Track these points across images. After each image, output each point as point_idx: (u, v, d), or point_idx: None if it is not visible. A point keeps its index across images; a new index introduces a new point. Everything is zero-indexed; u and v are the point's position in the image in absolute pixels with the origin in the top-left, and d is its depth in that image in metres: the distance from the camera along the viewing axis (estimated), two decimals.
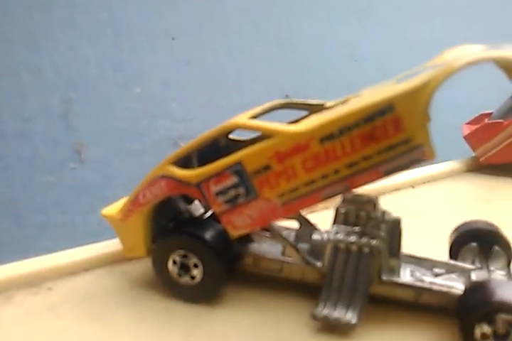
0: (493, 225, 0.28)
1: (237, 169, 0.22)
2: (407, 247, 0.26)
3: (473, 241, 0.27)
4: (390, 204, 0.41)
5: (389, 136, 0.19)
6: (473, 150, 0.49)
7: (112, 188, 0.41)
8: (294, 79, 0.60)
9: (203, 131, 0.24)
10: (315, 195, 0.21)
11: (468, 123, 0.52)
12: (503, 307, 0.20)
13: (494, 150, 0.48)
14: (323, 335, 0.23)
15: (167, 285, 0.26)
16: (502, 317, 0.20)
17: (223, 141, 0.24)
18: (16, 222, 0.39)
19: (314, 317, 0.23)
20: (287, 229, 0.29)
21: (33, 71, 0.41)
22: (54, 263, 0.29)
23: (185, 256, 0.25)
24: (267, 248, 0.27)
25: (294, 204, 0.22)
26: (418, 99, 0.18)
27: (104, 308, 0.26)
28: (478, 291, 0.21)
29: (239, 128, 0.23)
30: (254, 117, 0.25)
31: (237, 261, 0.26)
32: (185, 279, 0.25)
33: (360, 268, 0.24)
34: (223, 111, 0.48)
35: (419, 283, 0.24)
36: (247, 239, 0.27)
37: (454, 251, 0.28)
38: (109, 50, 0.45)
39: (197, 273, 0.25)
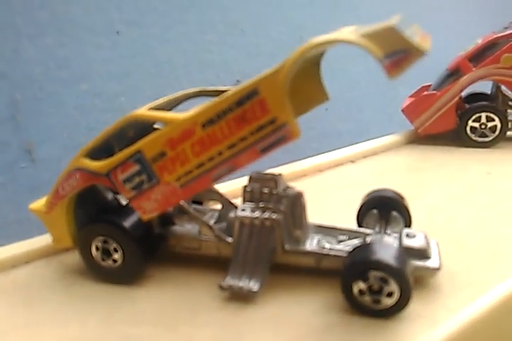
0: (394, 192, 0.30)
1: (138, 157, 0.24)
2: (334, 219, 0.28)
3: (375, 208, 0.29)
4: (330, 179, 0.44)
5: (258, 118, 0.21)
6: (411, 122, 0.52)
7: None
8: (244, 65, 0.61)
9: None
10: (206, 177, 0.23)
11: (411, 97, 0.54)
12: (374, 264, 0.22)
13: (430, 121, 0.50)
14: (231, 304, 0.25)
15: (93, 271, 0.28)
16: (374, 273, 0.23)
17: (131, 132, 0.26)
18: None
19: (221, 288, 0.25)
20: (211, 210, 0.31)
21: None
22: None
23: (105, 242, 0.27)
24: (186, 229, 0.29)
25: (190, 186, 0.24)
26: (276, 81, 0.20)
27: (37, 295, 0.28)
28: (356, 252, 0.23)
29: (137, 119, 0.24)
30: (165, 108, 0.26)
31: (159, 243, 0.28)
32: (108, 263, 0.27)
33: (263, 240, 0.26)
34: None
35: (319, 251, 0.27)
36: (168, 222, 0.29)
37: (360, 218, 0.30)
38: (53, 49, 0.46)
39: (118, 256, 0.27)
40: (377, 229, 0.28)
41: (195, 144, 0.23)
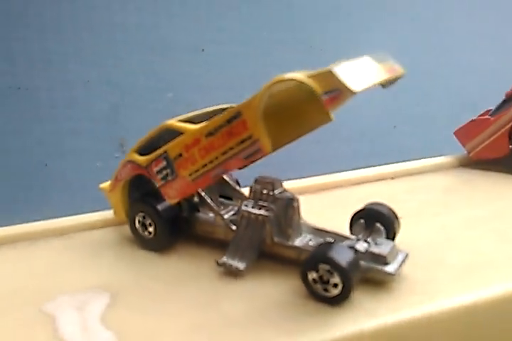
0: (385, 207, 0.34)
1: (165, 156, 0.32)
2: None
3: (362, 218, 0.34)
4: (361, 192, 0.48)
5: (240, 133, 0.28)
6: (463, 146, 0.52)
7: None
8: None
9: None
10: (208, 175, 0.31)
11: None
12: (323, 258, 0.27)
13: (481, 146, 0.51)
14: (222, 276, 0.32)
15: (136, 239, 0.37)
16: (322, 266, 0.27)
17: (165, 136, 0.34)
18: (72, 196, 0.53)
19: (217, 264, 0.32)
20: (235, 204, 0.38)
21: (83, 82, 0.55)
22: (81, 221, 0.41)
23: (144, 217, 0.36)
24: (207, 216, 0.36)
25: (198, 181, 0.31)
26: (252, 107, 0.27)
27: (100, 250, 0.37)
28: (316, 248, 0.29)
29: (167, 127, 0.33)
30: (194, 120, 0.34)
31: (184, 225, 0.36)
32: (145, 234, 0.36)
33: (255, 231, 0.33)
34: None
35: (302, 246, 0.32)
36: (195, 209, 0.37)
37: (350, 226, 0.34)
38: (147, 63, 0.58)
39: (151, 230, 0.36)
40: (360, 236, 0.32)
41: (200, 149, 0.30)
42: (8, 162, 0.53)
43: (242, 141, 0.28)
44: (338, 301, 0.28)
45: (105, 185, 0.39)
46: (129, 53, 0.58)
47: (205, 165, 0.30)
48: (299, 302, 0.29)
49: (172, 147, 0.32)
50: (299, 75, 0.24)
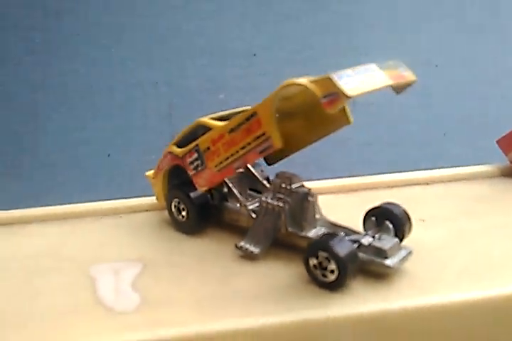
0: (396, 206, 0.36)
1: (197, 149, 0.37)
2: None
3: (375, 216, 0.36)
4: (399, 195, 0.49)
5: (255, 130, 0.31)
6: (505, 155, 0.51)
7: None
8: None
9: None
10: (230, 167, 0.34)
11: None
12: (322, 246, 0.30)
13: None
14: (242, 259, 0.36)
15: (172, 221, 0.42)
16: (321, 253, 0.30)
17: (199, 131, 0.38)
18: (127, 182, 0.59)
19: (236, 247, 0.36)
20: (258, 197, 0.42)
21: (150, 83, 0.62)
22: (131, 204, 0.47)
23: (179, 202, 0.40)
24: (234, 205, 0.40)
25: (222, 172, 0.35)
26: (266, 108, 0.30)
27: (141, 230, 0.43)
28: (319, 238, 0.31)
29: (199, 123, 0.37)
30: (224, 118, 0.38)
31: (214, 212, 0.40)
32: (179, 218, 0.41)
33: (272, 221, 0.36)
34: None
35: (313, 237, 0.35)
36: (224, 198, 0.41)
37: (364, 223, 0.36)
38: (204, 67, 0.63)
39: (184, 214, 0.40)
40: (369, 232, 0.35)
41: (224, 144, 0.34)
42: (77, 152, 0.60)
43: (258, 137, 0.31)
44: (335, 286, 0.30)
45: (150, 173, 0.44)
46: (189, 58, 0.64)
47: (228, 158, 0.34)
48: (302, 285, 0.32)
49: (202, 141, 0.36)
50: (303, 80, 0.28)
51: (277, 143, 0.31)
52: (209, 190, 0.40)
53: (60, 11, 0.62)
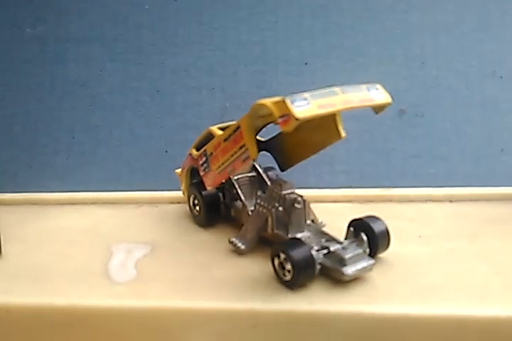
0: (377, 220, 0.37)
1: (205, 153, 0.42)
2: None
3: (353, 227, 0.38)
4: (414, 210, 0.49)
5: (239, 141, 0.36)
6: None
7: None
8: (414, 95, 0.67)
9: None
10: (226, 170, 0.39)
11: None
12: (282, 248, 0.34)
13: None
14: (231, 253, 0.41)
15: (191, 214, 0.48)
16: (282, 255, 0.34)
17: (210, 137, 0.43)
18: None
19: (229, 241, 0.41)
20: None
21: (207, 88, 0.69)
22: (165, 196, 0.54)
23: (195, 198, 0.47)
24: (239, 204, 0.45)
25: (222, 174, 0.40)
26: (245, 122, 0.34)
27: (165, 220, 0.50)
28: (283, 241, 0.35)
29: (209, 131, 0.42)
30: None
31: (223, 209, 0.46)
32: (195, 212, 0.47)
33: (260, 221, 0.40)
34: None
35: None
36: (233, 197, 0.46)
37: (346, 232, 0.39)
38: (257, 74, 0.68)
39: (198, 209, 0.46)
40: (345, 242, 0.37)
41: (221, 151, 0.39)
42: (140, 147, 0.69)
43: (241, 147, 0.36)
44: (291, 285, 0.34)
45: (178, 170, 0.51)
46: (244, 65, 0.69)
47: (224, 163, 0.39)
48: (268, 280, 0.36)
49: (208, 147, 0.42)
50: (267, 101, 0.32)
51: (252, 154, 0.35)
52: (222, 190, 0.46)
53: (138, 25, 0.71)
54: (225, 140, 0.38)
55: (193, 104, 0.71)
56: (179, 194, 0.54)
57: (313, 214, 0.43)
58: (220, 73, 0.69)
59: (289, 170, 0.47)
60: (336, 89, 0.32)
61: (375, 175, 0.66)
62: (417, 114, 0.68)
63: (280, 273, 0.35)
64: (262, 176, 0.46)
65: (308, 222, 0.41)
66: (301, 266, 0.33)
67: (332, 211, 0.49)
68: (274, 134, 0.46)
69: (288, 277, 0.34)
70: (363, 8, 0.71)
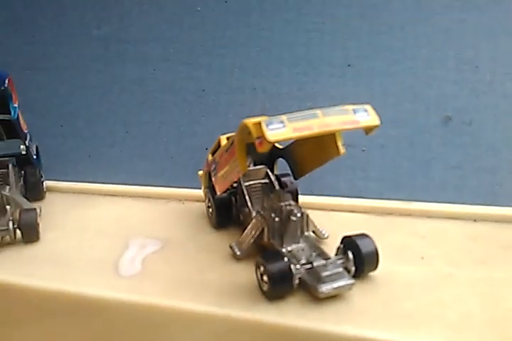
0: (366, 239, 0.37)
1: (215, 160, 0.44)
2: None
3: (342, 243, 0.38)
4: (434, 227, 0.47)
5: (234, 154, 0.37)
6: None
7: None
8: (464, 101, 0.63)
9: None
10: (227, 179, 0.41)
11: None
12: (261, 261, 0.35)
13: None
14: (229, 257, 0.43)
15: (207, 215, 0.51)
16: (261, 267, 0.35)
17: (220, 145, 0.45)
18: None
19: (229, 247, 0.43)
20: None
21: (250, 89, 0.71)
22: (187, 194, 0.58)
23: (209, 200, 0.49)
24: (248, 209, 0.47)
25: (225, 181, 0.42)
26: (237, 138, 0.36)
27: (182, 218, 0.53)
28: (265, 254, 0.36)
29: (219, 140, 0.44)
30: None
31: (234, 213, 0.48)
32: (209, 213, 0.50)
33: (258, 230, 0.42)
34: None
35: (282, 250, 0.39)
36: (243, 204, 0.48)
37: (337, 248, 0.39)
38: (298, 76, 0.69)
39: (211, 211, 0.49)
40: (333, 258, 0.38)
41: (223, 160, 0.41)
42: (181, 144, 0.73)
43: (235, 160, 0.38)
44: (268, 296, 0.35)
45: (200, 172, 0.54)
46: (286, 66, 0.70)
47: (226, 171, 0.41)
48: (253, 289, 0.37)
49: (217, 155, 0.44)
50: (250, 121, 0.33)
51: (242, 168, 0.36)
52: (235, 194, 0.48)
53: (191, 26, 0.75)
54: (226, 150, 0.40)
55: (235, 104, 0.73)
56: (198, 193, 0.57)
57: (314, 225, 0.43)
58: (263, 74, 0.71)
59: (319, 174, 0.47)
60: (318, 111, 0.32)
61: (410, 185, 0.64)
62: (464, 122, 0.64)
63: (261, 283, 0.36)
64: (273, 183, 0.47)
65: (307, 233, 0.41)
66: (276, 280, 0.34)
67: (345, 221, 0.49)
68: (289, 142, 0.47)
69: (265, 288, 0.35)
70: (416, 7, 0.68)
